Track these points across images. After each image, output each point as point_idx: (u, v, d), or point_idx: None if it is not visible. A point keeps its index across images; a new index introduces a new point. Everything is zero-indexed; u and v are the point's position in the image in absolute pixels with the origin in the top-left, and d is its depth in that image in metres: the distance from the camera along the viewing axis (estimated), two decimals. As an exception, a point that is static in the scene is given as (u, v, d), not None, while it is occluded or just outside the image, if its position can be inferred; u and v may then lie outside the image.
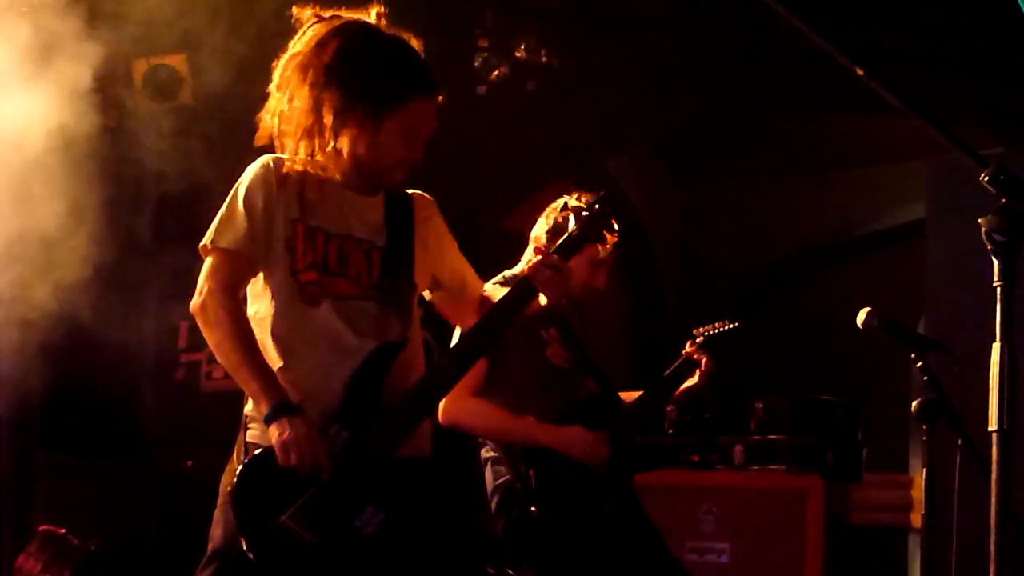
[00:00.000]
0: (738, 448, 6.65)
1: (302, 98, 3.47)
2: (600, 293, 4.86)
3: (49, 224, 5.34)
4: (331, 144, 3.49)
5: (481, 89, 7.15)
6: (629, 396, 4.93)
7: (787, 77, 7.24)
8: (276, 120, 3.51)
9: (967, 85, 7.14)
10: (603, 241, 3.96)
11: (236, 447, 3.53)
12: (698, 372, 4.89)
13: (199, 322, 3.48)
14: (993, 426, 2.06)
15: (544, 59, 7.19)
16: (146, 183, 6.60)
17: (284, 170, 3.50)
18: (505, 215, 8.39)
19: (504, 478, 4.60)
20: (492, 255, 4.79)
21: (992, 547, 1.99)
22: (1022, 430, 2.13)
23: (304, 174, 3.51)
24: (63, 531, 5.50)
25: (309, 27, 3.50)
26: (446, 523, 3.57)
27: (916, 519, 7.39)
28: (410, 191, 3.70)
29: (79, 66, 5.17)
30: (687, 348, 4.95)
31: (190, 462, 6.79)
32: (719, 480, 6.64)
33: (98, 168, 5.52)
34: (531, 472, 4.54)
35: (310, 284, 3.48)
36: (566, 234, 3.71)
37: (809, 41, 2.10)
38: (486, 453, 4.72)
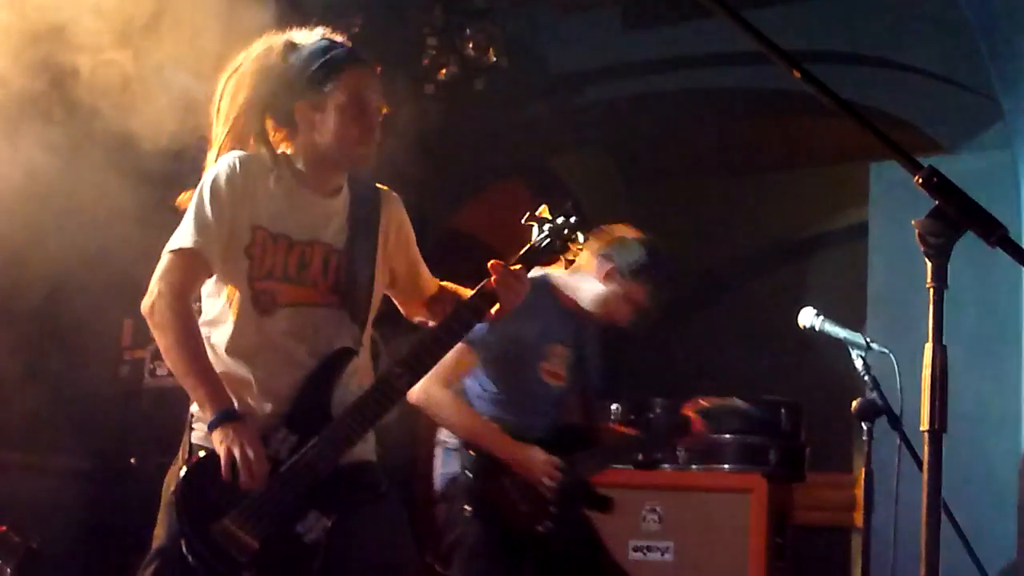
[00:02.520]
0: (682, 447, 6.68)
1: (246, 107, 3.53)
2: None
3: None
4: (283, 145, 3.56)
5: (429, 88, 7.14)
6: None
7: (730, 78, 7.28)
8: (225, 131, 3.56)
9: (908, 88, 7.20)
10: (567, 253, 4.00)
11: (181, 447, 3.54)
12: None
13: (149, 323, 3.48)
14: (925, 426, 2.09)
15: (493, 58, 7.18)
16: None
17: (250, 170, 3.51)
18: (452, 214, 8.40)
19: (454, 468, 4.61)
20: (439, 255, 4.79)
21: (923, 546, 2.01)
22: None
23: (268, 176, 3.53)
24: (3, 528, 5.46)
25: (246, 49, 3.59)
26: (393, 534, 3.57)
27: (859, 518, 7.45)
28: (378, 186, 3.73)
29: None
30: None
31: (133, 459, 6.75)
32: (663, 479, 6.66)
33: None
34: (472, 477, 4.56)
35: (265, 292, 3.49)
36: (529, 245, 3.70)
37: (749, 42, 2.12)
38: (442, 437, 4.71)
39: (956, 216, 2.07)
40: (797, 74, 2.08)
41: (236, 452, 3.31)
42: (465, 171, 8.03)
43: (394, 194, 3.78)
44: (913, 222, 2.10)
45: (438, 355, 3.60)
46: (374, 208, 3.69)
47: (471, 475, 4.56)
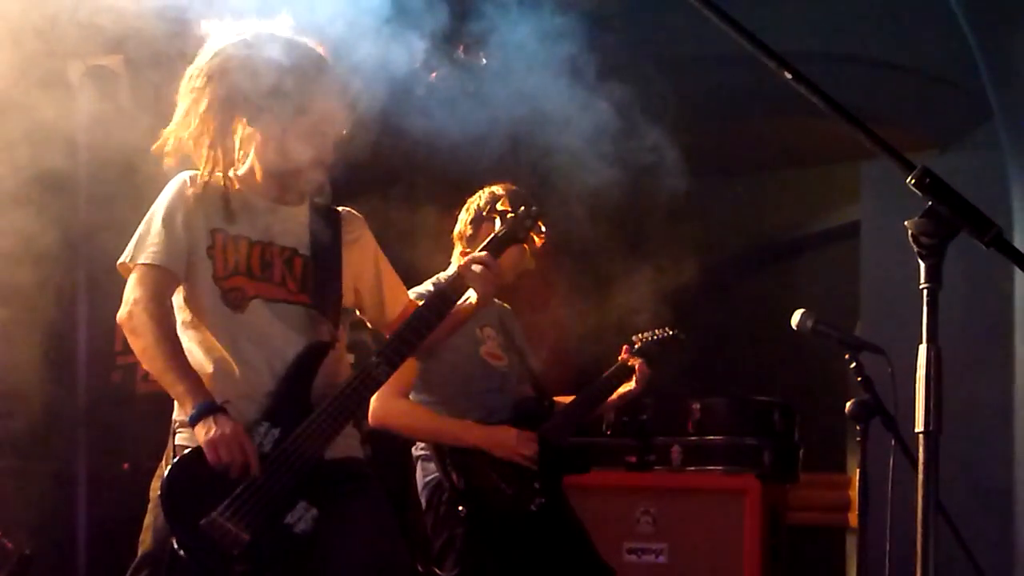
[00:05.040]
0: (676, 449, 6.68)
1: (203, 115, 3.55)
2: (535, 286, 4.88)
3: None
4: (239, 155, 3.63)
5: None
6: (565, 400, 4.95)
7: (723, 79, 7.27)
8: (184, 138, 3.58)
9: (901, 87, 7.20)
10: (530, 242, 4.04)
11: (166, 453, 3.57)
12: (634, 378, 4.96)
13: (126, 331, 3.53)
14: (920, 428, 2.08)
15: (483, 60, 7.17)
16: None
17: (201, 184, 3.57)
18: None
19: (433, 475, 4.62)
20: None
21: (919, 547, 2.00)
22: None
23: (223, 186, 3.59)
24: (-3, 535, 5.44)
25: (209, 48, 3.57)
26: (380, 522, 3.57)
27: (853, 519, 7.44)
28: (340, 208, 3.81)
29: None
30: (623, 354, 5.03)
31: (127, 465, 6.73)
32: (657, 481, 6.66)
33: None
34: (456, 474, 4.55)
35: (233, 289, 3.55)
36: (493, 234, 3.83)
37: (739, 42, 2.11)
38: (416, 451, 4.75)
39: (949, 216, 2.06)
40: (788, 75, 2.07)
41: (221, 443, 3.35)
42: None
43: (357, 214, 3.85)
44: (906, 223, 2.09)
45: (416, 345, 3.68)
46: (335, 224, 3.76)
47: (452, 471, 4.56)
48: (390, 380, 4.13)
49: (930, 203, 2.08)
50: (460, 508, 4.50)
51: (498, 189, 4.73)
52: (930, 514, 2.02)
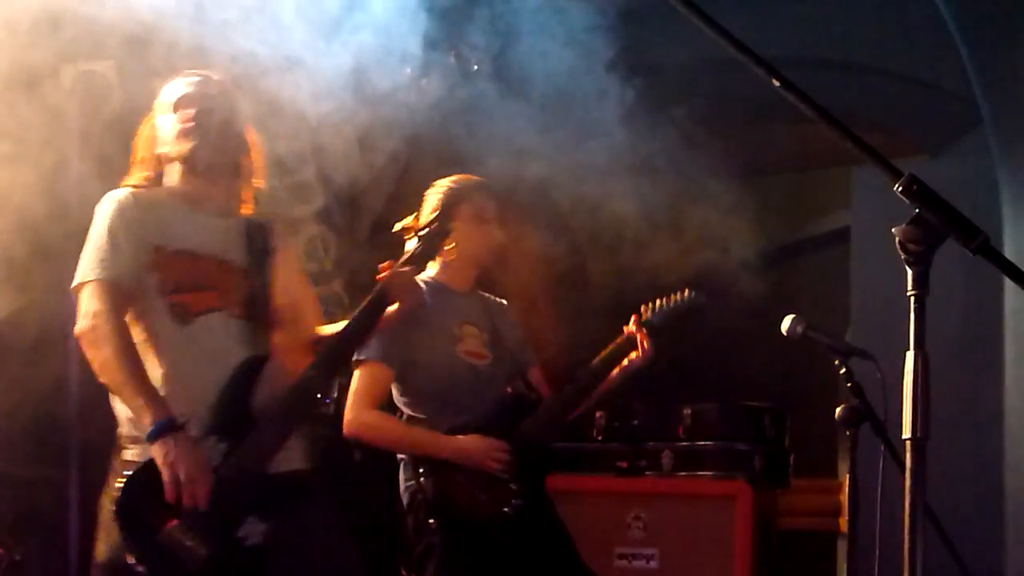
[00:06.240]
0: (666, 454, 6.67)
1: (140, 135, 3.89)
2: (507, 257, 4.87)
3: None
4: (162, 170, 3.83)
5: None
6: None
7: (713, 85, 7.28)
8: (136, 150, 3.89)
9: (891, 93, 7.21)
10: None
11: (112, 468, 3.63)
12: (637, 352, 4.76)
13: (85, 343, 3.59)
14: (907, 434, 2.08)
15: (475, 65, 7.17)
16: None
17: (138, 200, 3.71)
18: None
19: (412, 480, 4.61)
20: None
21: (906, 553, 2.01)
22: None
23: (157, 199, 3.75)
24: (-12, 541, 5.44)
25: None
26: (330, 536, 3.67)
27: (843, 524, 7.45)
28: (266, 218, 3.96)
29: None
30: (628, 327, 4.82)
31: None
32: (648, 486, 6.66)
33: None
34: (428, 484, 4.52)
35: (179, 305, 3.63)
36: (406, 255, 4.04)
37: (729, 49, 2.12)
38: (400, 455, 4.73)
39: (936, 223, 2.07)
40: (776, 82, 2.08)
41: (180, 466, 3.40)
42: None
43: (283, 224, 4.04)
44: (894, 230, 2.10)
45: (348, 353, 3.88)
46: (265, 234, 3.89)
47: (425, 481, 4.54)
48: (360, 391, 4.46)
49: (917, 210, 2.09)
50: (431, 520, 4.49)
51: (433, 193, 4.76)
52: (918, 520, 2.03)
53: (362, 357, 4.53)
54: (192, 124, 3.77)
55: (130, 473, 3.48)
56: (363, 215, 7.00)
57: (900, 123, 7.35)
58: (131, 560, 3.39)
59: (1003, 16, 6.21)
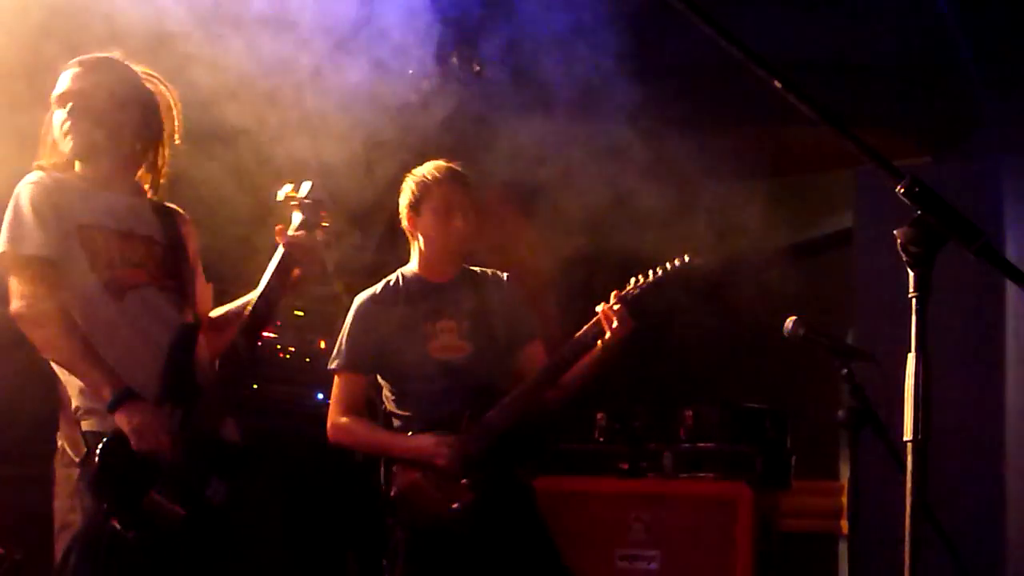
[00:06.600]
0: (668, 456, 6.66)
1: (45, 121, 3.93)
2: (474, 242, 4.86)
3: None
4: (71, 147, 3.87)
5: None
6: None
7: (713, 87, 7.27)
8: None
9: (894, 95, 7.20)
10: (320, 226, 4.24)
11: (66, 441, 3.81)
12: (608, 332, 4.53)
13: (25, 323, 3.69)
14: (908, 436, 2.08)
15: (478, 69, 7.17)
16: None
17: (55, 181, 3.81)
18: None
19: (383, 480, 4.73)
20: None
21: (907, 554, 2.01)
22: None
23: (72, 181, 3.85)
24: (-11, 541, 5.43)
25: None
26: (264, 506, 4.10)
27: (845, 526, 7.44)
28: (171, 205, 4.10)
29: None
30: (602, 306, 4.58)
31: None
32: (649, 488, 6.65)
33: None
34: (389, 483, 4.64)
35: (113, 280, 3.74)
36: (293, 228, 4.09)
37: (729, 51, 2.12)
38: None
39: (937, 225, 2.07)
40: (778, 84, 2.07)
41: (147, 431, 3.56)
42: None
43: (186, 215, 4.15)
44: (895, 232, 2.10)
45: (268, 317, 4.03)
46: (173, 216, 4.06)
47: (387, 481, 4.65)
48: (335, 398, 4.71)
49: (919, 212, 2.08)
50: (388, 520, 4.63)
51: (405, 183, 4.83)
52: (918, 521, 2.03)
53: (333, 367, 4.75)
54: (68, 123, 3.85)
55: (102, 444, 3.60)
56: (371, 221, 6.99)
57: (902, 124, 7.33)
58: (117, 526, 3.54)
59: (1007, 17, 6.21)
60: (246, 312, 3.98)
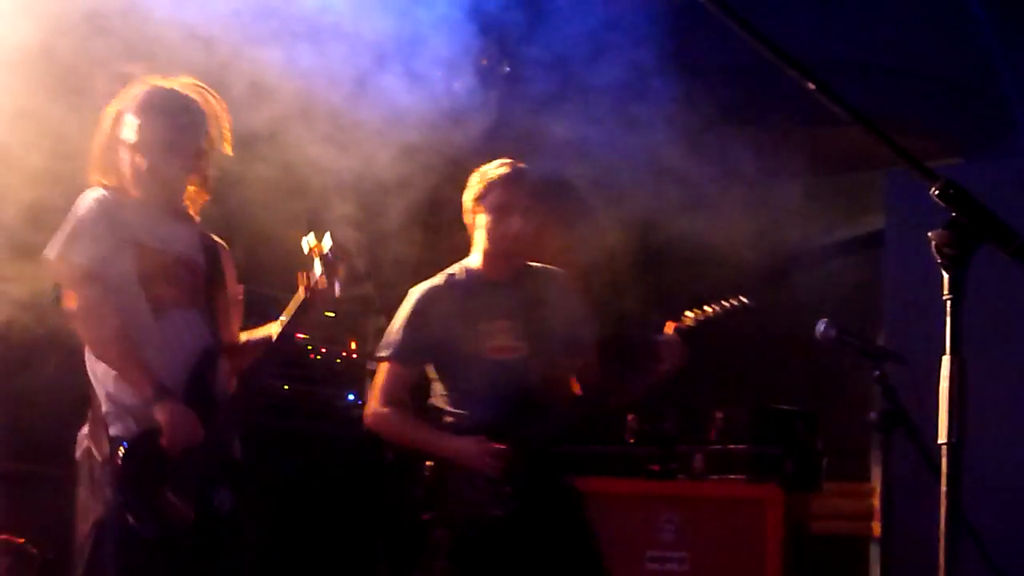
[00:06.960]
0: (698, 457, 6.66)
1: (105, 136, 4.10)
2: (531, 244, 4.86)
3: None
4: (131, 174, 4.07)
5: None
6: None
7: (743, 88, 7.26)
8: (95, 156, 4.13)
9: (926, 96, 7.17)
10: (338, 275, 4.35)
11: (92, 442, 3.99)
12: (666, 362, 4.68)
13: (81, 321, 3.98)
14: (943, 439, 2.07)
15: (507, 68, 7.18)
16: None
17: (114, 198, 4.03)
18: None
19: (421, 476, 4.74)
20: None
21: (942, 558, 2.00)
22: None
23: (130, 203, 4.06)
24: (21, 540, 5.46)
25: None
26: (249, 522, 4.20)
27: (876, 528, 7.42)
28: (215, 238, 4.34)
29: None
30: (666, 330, 4.71)
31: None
32: (679, 489, 6.65)
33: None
34: (428, 481, 4.66)
35: (158, 299, 4.01)
36: (319, 274, 4.29)
37: (762, 52, 2.11)
38: None
39: (972, 227, 2.06)
40: (811, 85, 2.07)
41: (182, 426, 3.87)
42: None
43: (227, 248, 4.40)
44: (929, 234, 2.09)
45: (286, 353, 4.60)
46: (215, 245, 4.32)
47: (426, 478, 4.67)
48: (377, 386, 4.75)
49: (953, 214, 2.07)
50: (424, 516, 4.64)
51: (471, 183, 4.83)
52: (953, 525, 2.02)
53: (380, 355, 4.78)
54: (140, 168, 4.05)
55: (125, 445, 3.87)
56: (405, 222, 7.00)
57: (934, 125, 7.30)
58: (132, 521, 3.81)
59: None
60: (269, 338, 4.29)
